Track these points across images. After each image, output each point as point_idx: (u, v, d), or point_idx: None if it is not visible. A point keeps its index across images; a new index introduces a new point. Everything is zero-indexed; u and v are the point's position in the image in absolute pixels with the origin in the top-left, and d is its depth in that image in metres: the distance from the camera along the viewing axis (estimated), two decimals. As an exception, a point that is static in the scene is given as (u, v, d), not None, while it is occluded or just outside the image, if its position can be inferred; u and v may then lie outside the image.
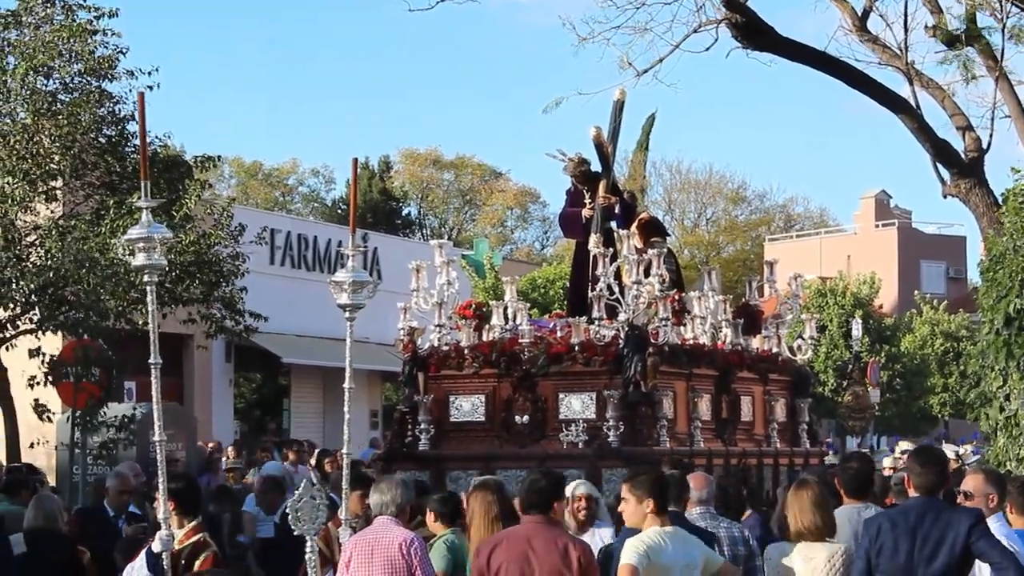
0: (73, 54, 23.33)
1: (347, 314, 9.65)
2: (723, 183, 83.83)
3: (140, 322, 24.06)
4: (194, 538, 10.41)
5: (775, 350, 18.98)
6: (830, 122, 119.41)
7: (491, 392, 16.96)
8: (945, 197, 21.53)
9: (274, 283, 36.49)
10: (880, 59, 21.92)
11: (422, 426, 16.96)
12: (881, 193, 76.52)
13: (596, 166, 18.40)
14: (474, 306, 17.92)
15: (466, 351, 17.04)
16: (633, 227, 18.05)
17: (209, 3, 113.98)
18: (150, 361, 7.84)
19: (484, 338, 17.49)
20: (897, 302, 67.51)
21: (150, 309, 7.75)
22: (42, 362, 23.16)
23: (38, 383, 23.40)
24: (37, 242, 23.22)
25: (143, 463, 23.38)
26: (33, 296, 22.96)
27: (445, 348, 17.24)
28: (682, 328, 17.35)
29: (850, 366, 53.00)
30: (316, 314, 35.32)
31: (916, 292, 63.99)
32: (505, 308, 18.40)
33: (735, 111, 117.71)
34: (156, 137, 25.20)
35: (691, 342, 17.37)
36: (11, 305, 23.42)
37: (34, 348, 23.49)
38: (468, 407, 17.02)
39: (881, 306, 61.39)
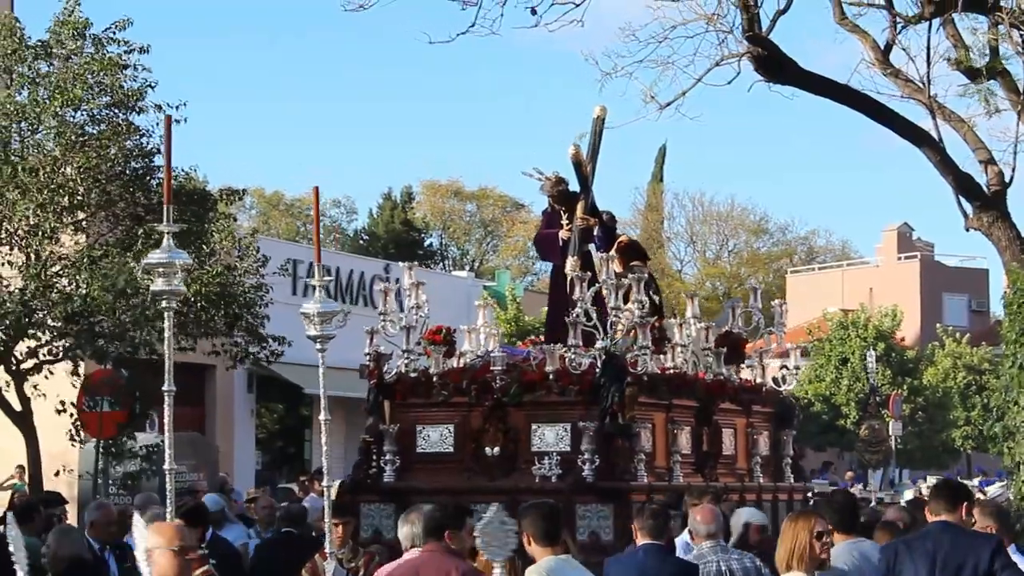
0: (102, 87, 23.53)
1: (318, 345, 9.52)
2: (745, 215, 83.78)
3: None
4: (200, 570, 10.43)
5: (759, 380, 18.21)
6: (852, 155, 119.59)
7: (460, 422, 15.98)
8: (968, 230, 21.48)
9: (297, 313, 36.55)
10: (902, 92, 21.92)
11: (387, 457, 15.99)
12: (903, 226, 76.37)
13: (575, 186, 17.54)
14: (444, 331, 16.91)
15: (435, 378, 16.11)
16: (612, 250, 17.11)
17: (229, 33, 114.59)
18: (164, 388, 7.79)
19: (456, 364, 16.58)
20: (919, 335, 67.33)
21: (167, 336, 7.70)
22: (77, 386, 23.45)
23: (66, 411, 23.63)
24: (62, 272, 23.41)
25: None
26: (59, 325, 23.15)
27: (413, 375, 16.34)
28: (662, 357, 16.47)
29: (870, 399, 53.03)
30: (338, 344, 35.34)
31: (938, 325, 63.74)
32: (477, 333, 17.60)
33: (757, 143, 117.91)
34: (181, 170, 25.41)
35: (672, 371, 16.46)
36: (39, 335, 23.63)
37: (70, 371, 23.79)
38: (436, 437, 16.09)
39: (903, 339, 61.28)
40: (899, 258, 74.25)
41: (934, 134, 21.54)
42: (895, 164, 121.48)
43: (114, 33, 23.84)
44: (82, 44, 23.71)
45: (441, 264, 74.21)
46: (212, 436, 35.74)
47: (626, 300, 15.86)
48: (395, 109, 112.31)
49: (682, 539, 12.19)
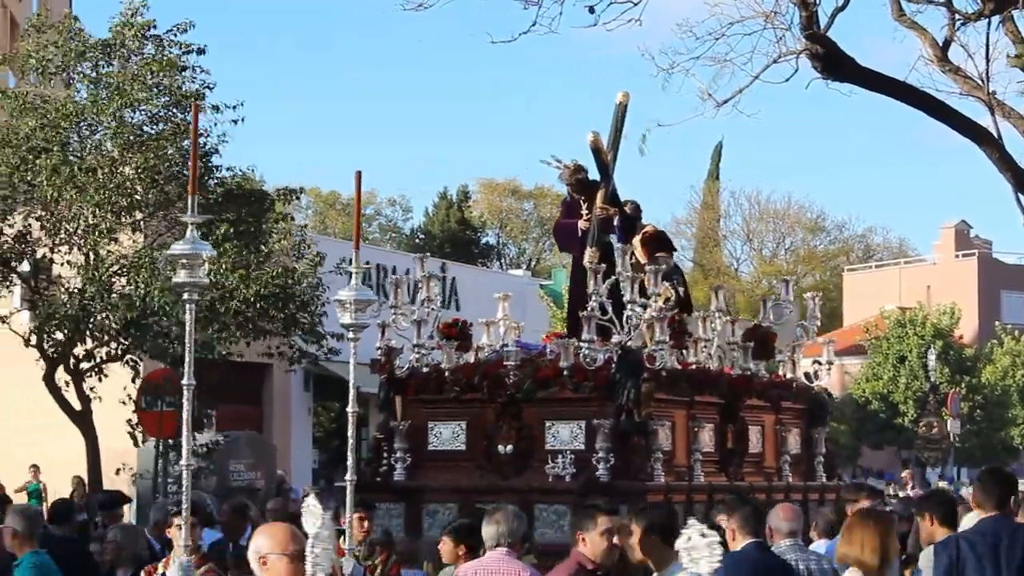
0: (161, 88, 23.64)
1: (351, 334, 9.26)
2: (802, 213, 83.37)
3: (224, 351, 24.38)
4: (203, 568, 10.37)
5: (789, 376, 17.35)
6: (909, 151, 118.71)
7: (473, 419, 15.31)
8: (1027, 227, 21.39)
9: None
10: (961, 89, 21.76)
11: (398, 454, 15.39)
12: (961, 223, 75.80)
13: (595, 174, 16.75)
14: (460, 325, 16.31)
15: (447, 374, 15.42)
16: (636, 241, 16.42)
17: (287, 34, 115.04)
18: (183, 382, 7.55)
19: (472, 359, 15.87)
20: (978, 332, 66.82)
21: (188, 329, 7.46)
22: (136, 386, 23.58)
23: (126, 406, 23.78)
24: (120, 272, 23.54)
25: (223, 491, 23.64)
26: (116, 325, 23.28)
27: (425, 370, 15.69)
28: (685, 352, 15.58)
29: (929, 397, 52.75)
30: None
31: (997, 322, 63.28)
32: (496, 327, 16.98)
33: (814, 139, 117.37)
34: (239, 170, 25.56)
35: (694, 366, 15.63)
36: (98, 335, 23.78)
37: (131, 374, 23.95)
38: (448, 434, 15.48)
39: (961, 337, 60.83)
40: (957, 255, 73.70)
41: (993, 131, 21.36)
42: (953, 160, 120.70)
43: (175, 35, 23.95)
44: (143, 45, 23.84)
45: (498, 262, 74.19)
46: (269, 435, 35.82)
47: (644, 293, 15.00)
48: (452, 109, 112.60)
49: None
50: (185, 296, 7.48)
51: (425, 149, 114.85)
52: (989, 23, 20.96)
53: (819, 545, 11.78)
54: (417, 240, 71.32)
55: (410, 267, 41.29)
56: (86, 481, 25.72)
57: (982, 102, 21.50)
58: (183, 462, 7.52)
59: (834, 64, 20.29)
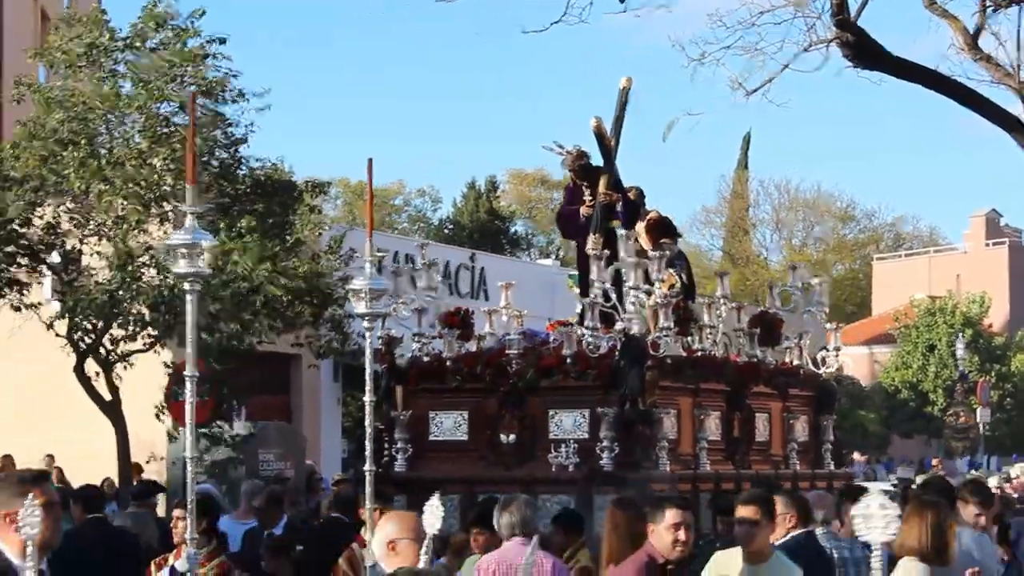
0: (186, 77, 23.54)
1: (366, 323, 9.12)
2: (831, 202, 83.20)
3: (255, 341, 24.38)
4: (216, 560, 10.37)
5: (796, 362, 17.09)
6: (940, 139, 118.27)
7: (475, 408, 15.12)
8: (1057, 216, 21.23)
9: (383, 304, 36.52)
10: (992, 77, 21.65)
11: (399, 445, 15.18)
12: (991, 212, 75.48)
13: (598, 159, 16.45)
14: (461, 313, 16.08)
15: (448, 363, 15.26)
16: (640, 227, 16.22)
17: (315, 23, 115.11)
18: (185, 374, 7.35)
19: (476, 348, 15.71)
20: (1008, 321, 66.63)
21: (189, 320, 7.44)
22: (169, 375, 23.60)
23: (159, 403, 23.79)
24: (150, 262, 23.54)
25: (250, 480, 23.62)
26: (147, 315, 23.28)
27: (426, 359, 15.51)
28: (690, 339, 15.32)
29: (958, 386, 52.63)
30: (424, 333, 35.37)
31: (1027, 311, 63.38)
32: (498, 315, 16.77)
33: (843, 127, 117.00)
34: (269, 161, 25.49)
35: (700, 354, 15.43)
36: (127, 325, 23.77)
37: (166, 362, 23.99)
38: (450, 424, 15.28)
39: (991, 325, 60.69)
40: (987, 244, 73.41)
41: (1024, 120, 21.21)
42: (984, 149, 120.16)
43: (191, 23, 23.82)
44: (168, 36, 23.72)
45: (527, 252, 74.11)
46: (299, 425, 35.75)
47: (648, 279, 14.69)
48: (480, 99, 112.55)
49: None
50: (186, 286, 7.38)
51: (454, 139, 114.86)
52: (1021, 10, 20.84)
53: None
54: (446, 231, 71.27)
55: (438, 257, 41.49)
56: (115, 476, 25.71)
57: (1013, 90, 21.38)
58: (186, 453, 7.43)
59: (864, 52, 20.20)
